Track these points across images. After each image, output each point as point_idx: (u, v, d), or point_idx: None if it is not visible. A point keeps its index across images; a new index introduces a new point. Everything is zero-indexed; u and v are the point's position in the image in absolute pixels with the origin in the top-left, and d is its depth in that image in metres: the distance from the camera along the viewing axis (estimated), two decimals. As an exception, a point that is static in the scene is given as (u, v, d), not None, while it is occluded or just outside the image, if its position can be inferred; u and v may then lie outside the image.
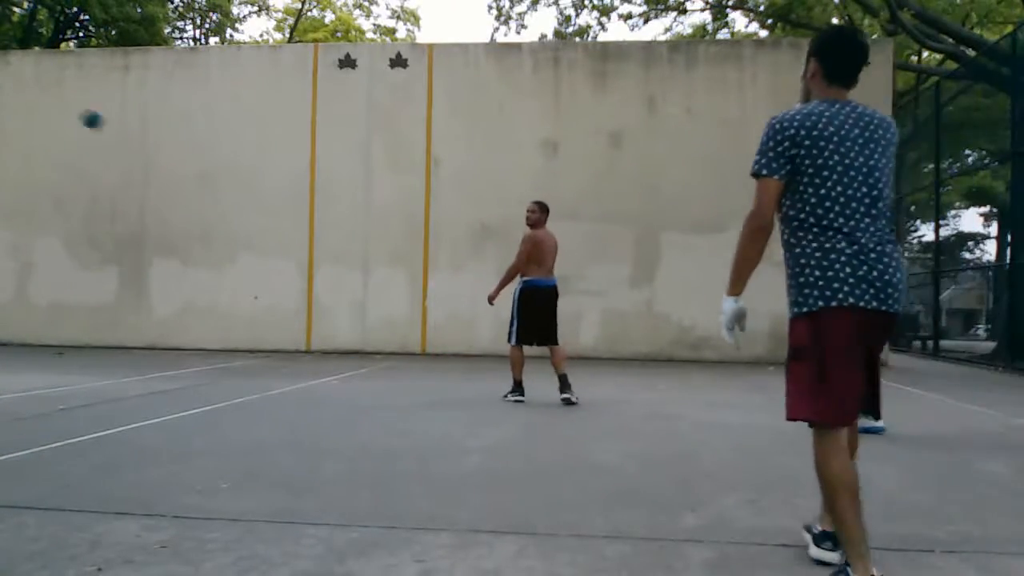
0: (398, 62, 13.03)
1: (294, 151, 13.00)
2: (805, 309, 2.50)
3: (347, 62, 13.11)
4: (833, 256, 2.45)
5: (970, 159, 22.27)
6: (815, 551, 2.77)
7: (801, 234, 2.53)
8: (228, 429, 5.36)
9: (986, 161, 20.65)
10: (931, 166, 16.55)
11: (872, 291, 2.46)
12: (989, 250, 30.57)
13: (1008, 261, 14.24)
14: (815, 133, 2.49)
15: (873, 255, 2.46)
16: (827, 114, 2.53)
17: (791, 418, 2.70)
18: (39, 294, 13.42)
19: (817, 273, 2.47)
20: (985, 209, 29.65)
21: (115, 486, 3.67)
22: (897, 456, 4.70)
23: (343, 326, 12.82)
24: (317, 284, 12.97)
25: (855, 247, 2.45)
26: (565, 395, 6.63)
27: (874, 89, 12.32)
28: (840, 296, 2.44)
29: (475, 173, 12.68)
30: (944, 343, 16.51)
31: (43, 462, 4.15)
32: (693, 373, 10.05)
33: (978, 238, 30.91)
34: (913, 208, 21.51)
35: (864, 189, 2.50)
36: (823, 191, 2.49)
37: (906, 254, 23.88)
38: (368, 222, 12.89)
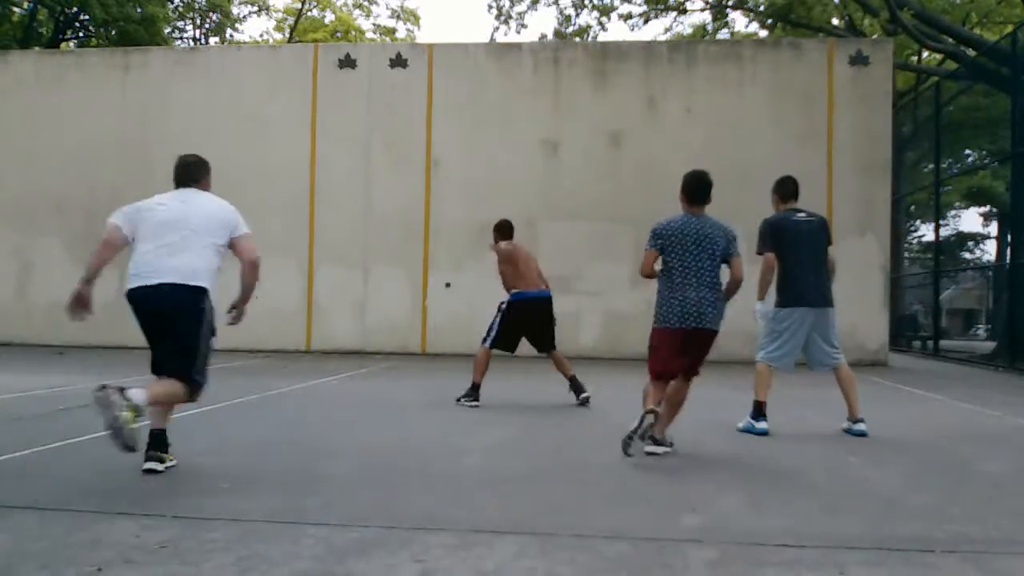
0: (398, 62, 13.03)
1: (294, 151, 13.00)
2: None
3: (347, 62, 13.11)
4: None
5: (970, 159, 22.28)
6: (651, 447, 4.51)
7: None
8: (228, 429, 5.36)
9: (986, 161, 20.65)
10: (931, 166, 16.57)
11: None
12: (989, 250, 30.57)
13: (1008, 261, 14.24)
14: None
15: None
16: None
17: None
18: (39, 294, 13.42)
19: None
20: (985, 209, 29.65)
21: (115, 486, 3.67)
22: (897, 456, 4.70)
23: (343, 326, 12.82)
24: (317, 284, 12.97)
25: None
26: (583, 395, 6.64)
27: (874, 89, 12.34)
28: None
29: (475, 173, 12.68)
30: (944, 343, 16.52)
31: (43, 462, 4.15)
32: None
33: (978, 238, 30.91)
34: (913, 208, 21.52)
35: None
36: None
37: (906, 254, 23.90)
38: (368, 222, 12.89)
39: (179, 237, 4.23)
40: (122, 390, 3.69)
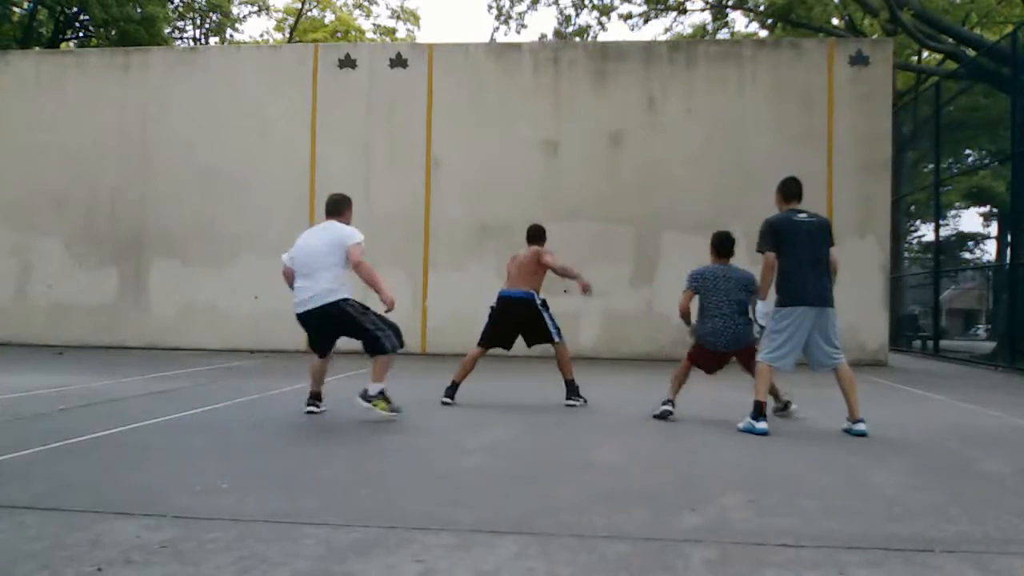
0: (398, 62, 13.04)
1: (294, 151, 13.00)
2: None
3: (347, 62, 13.11)
4: None
5: (970, 159, 22.28)
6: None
7: None
8: (228, 429, 5.36)
9: (986, 161, 20.65)
10: (931, 166, 16.56)
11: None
12: (989, 250, 30.58)
13: (1008, 261, 14.24)
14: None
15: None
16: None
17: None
18: (39, 294, 13.42)
19: None
20: (985, 209, 29.66)
21: (115, 486, 3.67)
22: (897, 456, 4.70)
23: (343, 326, 12.81)
24: (317, 284, 12.95)
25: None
26: (571, 401, 6.67)
27: (874, 89, 12.34)
28: None
29: (475, 173, 12.68)
30: (944, 343, 16.52)
31: (43, 462, 4.15)
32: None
33: (978, 238, 30.91)
34: (913, 208, 21.52)
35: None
36: None
37: (906, 254, 23.91)
38: (368, 222, 12.82)
39: (312, 269, 5.62)
40: (364, 392, 5.65)
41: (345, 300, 5.63)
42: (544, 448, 4.89)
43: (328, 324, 5.70)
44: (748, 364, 6.00)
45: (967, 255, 31.39)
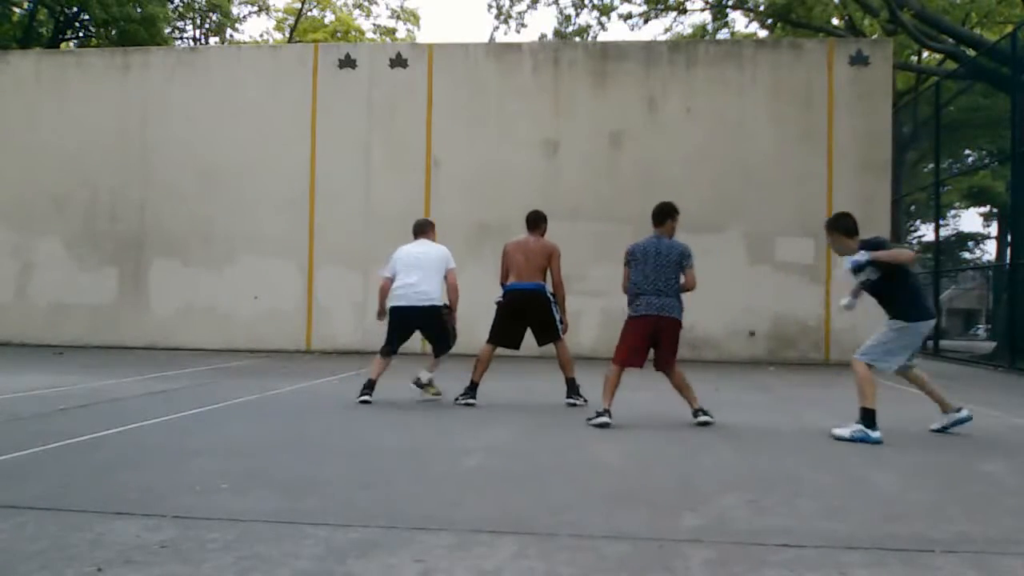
0: (398, 62, 13.04)
1: (294, 151, 13.00)
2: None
3: (347, 62, 13.11)
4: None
5: (970, 159, 22.27)
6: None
7: None
8: (228, 429, 5.36)
9: (986, 161, 20.65)
10: (931, 166, 16.57)
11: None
12: (989, 250, 30.56)
13: (1008, 261, 14.24)
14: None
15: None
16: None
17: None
18: (39, 294, 13.42)
19: None
20: (985, 209, 29.63)
21: (115, 486, 3.67)
22: (897, 456, 4.70)
23: (343, 326, 12.82)
24: (317, 284, 12.97)
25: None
26: (571, 400, 6.65)
27: (874, 89, 12.34)
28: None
29: (475, 173, 12.68)
30: (944, 343, 16.51)
31: (43, 462, 4.15)
32: (693, 373, 10.03)
33: (978, 238, 30.89)
34: (913, 208, 21.51)
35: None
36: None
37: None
38: (368, 222, 12.89)
39: (419, 274, 6.75)
40: (417, 379, 6.97)
41: (444, 306, 6.84)
42: (544, 448, 4.89)
43: (422, 321, 6.75)
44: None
45: (967, 255, 31.37)
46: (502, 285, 6.86)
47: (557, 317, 6.68)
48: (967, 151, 22.06)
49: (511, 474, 4.08)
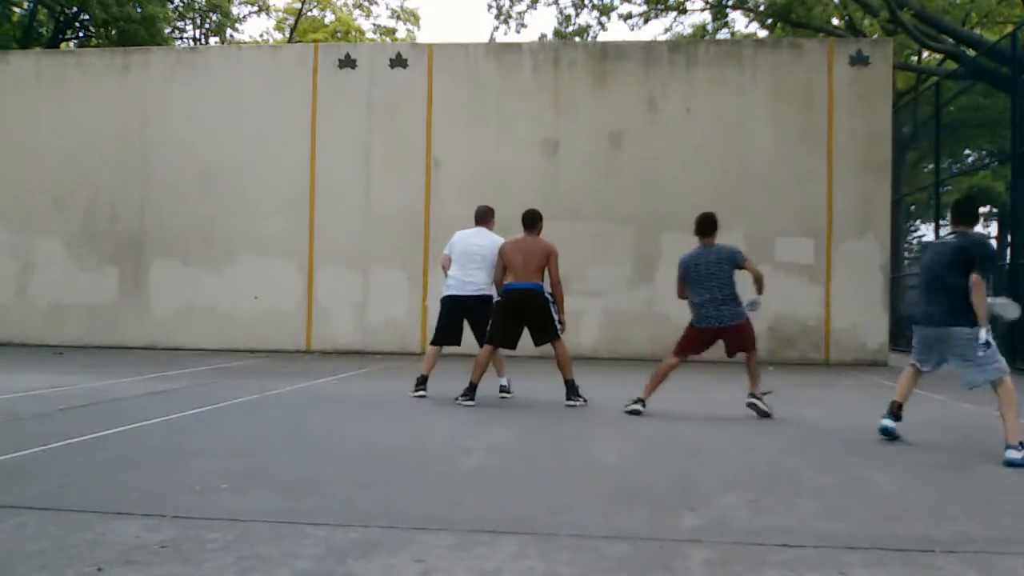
0: (398, 62, 13.04)
1: (294, 151, 13.00)
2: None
3: (347, 62, 13.11)
4: None
5: (970, 159, 22.27)
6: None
7: None
8: (228, 429, 5.36)
9: (986, 161, 20.65)
10: (931, 166, 16.56)
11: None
12: (989, 250, 30.46)
13: (1008, 261, 14.23)
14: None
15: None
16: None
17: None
18: (39, 294, 13.42)
19: None
20: (985, 209, 29.60)
21: (115, 486, 3.67)
22: (897, 456, 4.70)
23: (343, 326, 12.82)
24: (317, 284, 12.97)
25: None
26: (571, 402, 6.64)
27: (874, 89, 12.34)
28: None
29: (475, 173, 12.67)
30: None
31: (43, 462, 4.15)
32: (693, 373, 10.04)
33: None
34: (913, 208, 21.51)
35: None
36: None
37: (906, 255, 23.91)
38: (368, 222, 12.89)
39: (472, 265, 6.88)
40: (505, 386, 7.04)
41: (492, 297, 6.82)
42: (544, 448, 4.89)
43: (470, 311, 6.84)
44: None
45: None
46: (497, 285, 6.86)
47: (555, 317, 6.67)
48: (967, 151, 22.06)
49: (511, 474, 4.08)
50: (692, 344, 6.36)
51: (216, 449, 4.61)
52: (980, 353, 4.78)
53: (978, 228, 5.62)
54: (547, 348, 6.85)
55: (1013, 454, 4.52)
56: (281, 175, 13.01)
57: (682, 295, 6.49)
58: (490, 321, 6.74)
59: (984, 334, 4.79)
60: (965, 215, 5.23)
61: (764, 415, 6.07)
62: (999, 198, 23.25)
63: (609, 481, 3.93)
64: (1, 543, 2.79)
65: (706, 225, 6.46)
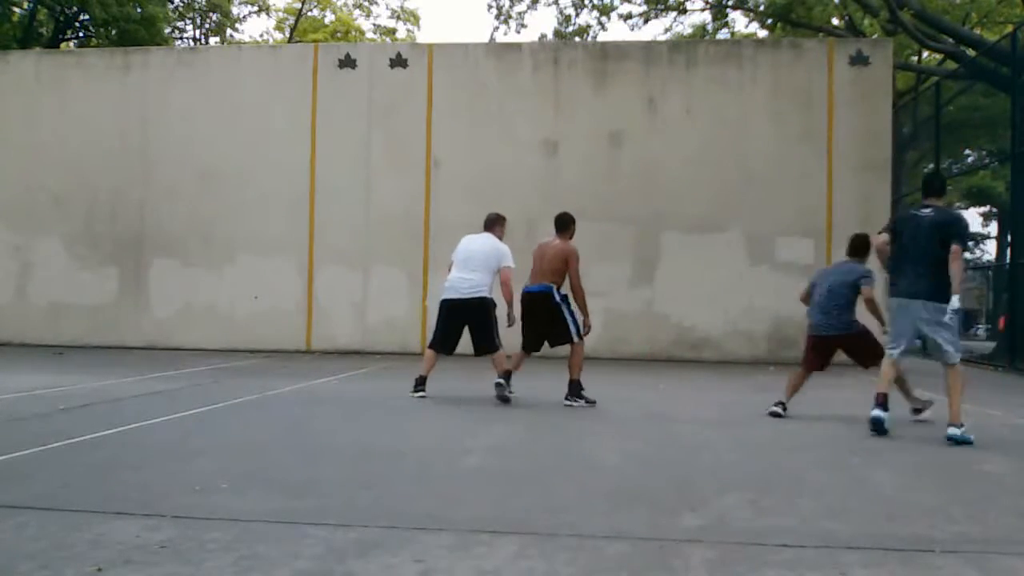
0: (398, 62, 13.04)
1: (294, 151, 13.00)
2: None
3: (347, 62, 13.11)
4: None
5: (970, 159, 22.27)
6: None
7: None
8: (228, 429, 5.36)
9: (986, 161, 20.65)
10: (931, 166, 16.55)
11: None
12: (989, 250, 30.58)
13: (1008, 261, 14.24)
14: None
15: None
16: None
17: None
18: (39, 294, 13.42)
19: None
20: (985, 209, 29.66)
21: (115, 486, 3.67)
22: (897, 456, 4.70)
23: (343, 326, 12.82)
24: (317, 284, 12.96)
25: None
26: (569, 401, 6.63)
27: (874, 89, 12.34)
28: None
29: (475, 173, 12.67)
30: (944, 343, 16.45)
31: (43, 462, 4.15)
32: (693, 373, 10.05)
33: (978, 238, 30.92)
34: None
35: None
36: None
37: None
38: (368, 222, 12.89)
39: (474, 265, 6.82)
40: (502, 384, 6.68)
41: (490, 299, 6.78)
42: (544, 448, 4.89)
43: (467, 313, 6.77)
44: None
45: (967, 255, 31.37)
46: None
47: (569, 320, 6.65)
48: (967, 151, 22.07)
49: (511, 474, 4.08)
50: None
51: (216, 449, 4.61)
52: (948, 319, 5.17)
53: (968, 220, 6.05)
54: (554, 348, 6.86)
55: (954, 431, 5.04)
56: (281, 175, 13.01)
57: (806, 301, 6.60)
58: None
59: (956, 301, 5.16)
60: (936, 188, 5.54)
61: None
62: (999, 198, 23.28)
63: (609, 481, 3.93)
64: (1, 543, 2.79)
65: (857, 247, 6.50)
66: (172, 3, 24.67)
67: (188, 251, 13.15)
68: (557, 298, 6.66)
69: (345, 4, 29.84)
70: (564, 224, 6.94)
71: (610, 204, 12.39)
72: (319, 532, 2.94)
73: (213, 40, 26.63)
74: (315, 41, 22.72)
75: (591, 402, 6.62)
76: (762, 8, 20.92)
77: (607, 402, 6.75)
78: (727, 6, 21.77)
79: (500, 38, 24.36)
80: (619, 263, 12.39)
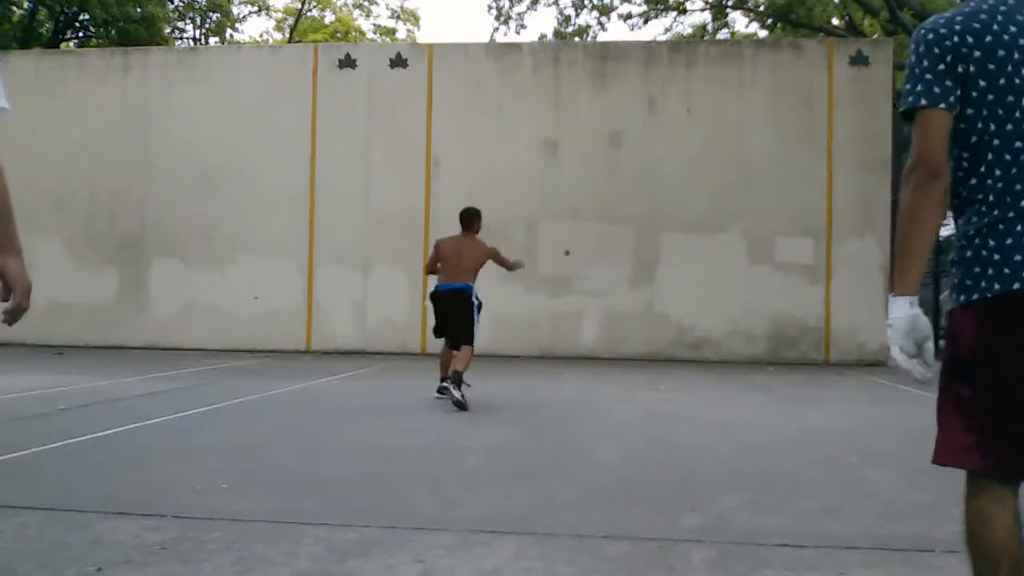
0: (398, 62, 13.03)
1: (294, 151, 12.99)
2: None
3: (347, 62, 13.11)
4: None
5: (970, 159, 22.24)
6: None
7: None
8: (228, 429, 5.36)
9: (986, 161, 20.63)
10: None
11: None
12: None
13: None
14: (987, 41, 1.67)
15: None
16: (1002, 9, 1.67)
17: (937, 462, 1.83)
18: (39, 294, 13.26)
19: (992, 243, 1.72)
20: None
21: (115, 486, 3.67)
22: (897, 456, 4.70)
23: (343, 326, 12.82)
24: (317, 284, 12.96)
25: None
26: (443, 385, 6.59)
27: (874, 89, 12.35)
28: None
29: (475, 173, 12.67)
30: (944, 343, 16.48)
31: (43, 462, 4.15)
32: (693, 373, 10.04)
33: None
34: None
35: None
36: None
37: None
38: (368, 222, 12.89)
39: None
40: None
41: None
42: (544, 448, 4.89)
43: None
44: None
45: (967, 255, 31.32)
46: (429, 273, 7.15)
47: (476, 323, 6.68)
48: (967, 151, 22.01)
49: (511, 474, 4.08)
50: None
51: (216, 449, 4.61)
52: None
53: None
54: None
55: None
56: (281, 175, 13.01)
57: None
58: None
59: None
60: None
61: None
62: (999, 198, 23.23)
63: (609, 481, 3.93)
64: (1, 543, 2.79)
65: None
66: (172, 3, 24.67)
67: (188, 251, 13.15)
68: (475, 300, 6.70)
69: (345, 4, 29.86)
70: (471, 219, 6.98)
71: (610, 204, 12.39)
72: (319, 532, 2.94)
73: (213, 40, 26.62)
74: (315, 41, 22.72)
75: (462, 403, 6.17)
76: (762, 8, 20.93)
77: (607, 402, 6.75)
78: (727, 6, 21.78)
79: (500, 38, 24.36)
80: (619, 263, 12.39)
